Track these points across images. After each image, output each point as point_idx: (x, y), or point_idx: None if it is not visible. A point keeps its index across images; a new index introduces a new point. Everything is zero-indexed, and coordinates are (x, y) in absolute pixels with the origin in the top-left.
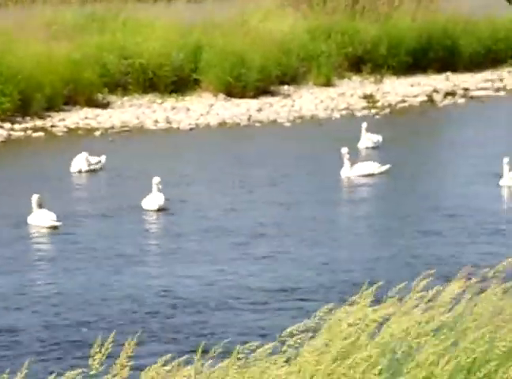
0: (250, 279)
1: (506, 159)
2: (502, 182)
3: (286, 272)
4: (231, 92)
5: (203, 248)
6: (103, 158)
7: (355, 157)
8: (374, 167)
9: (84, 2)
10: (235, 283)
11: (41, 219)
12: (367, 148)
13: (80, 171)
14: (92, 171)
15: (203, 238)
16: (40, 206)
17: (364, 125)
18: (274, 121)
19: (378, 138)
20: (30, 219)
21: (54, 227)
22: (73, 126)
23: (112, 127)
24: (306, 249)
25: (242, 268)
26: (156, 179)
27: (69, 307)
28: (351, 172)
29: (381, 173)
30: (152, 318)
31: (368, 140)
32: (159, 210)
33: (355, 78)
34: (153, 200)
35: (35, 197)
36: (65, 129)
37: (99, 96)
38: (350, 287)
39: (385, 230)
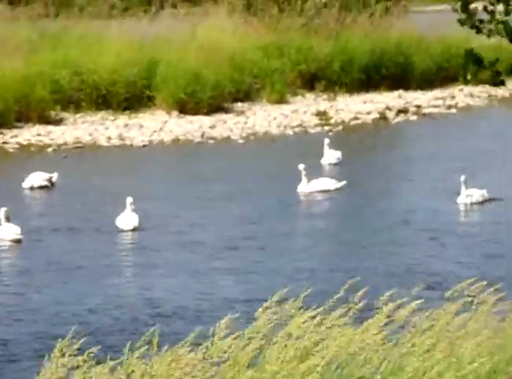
0: (224, 290)
1: (462, 177)
2: (459, 200)
3: (255, 282)
4: (184, 109)
5: (172, 260)
6: (55, 175)
7: (318, 173)
8: (331, 183)
9: (36, 19)
10: (208, 293)
11: (5, 233)
12: (329, 164)
13: (32, 187)
14: (44, 187)
15: (171, 251)
16: (8, 219)
17: (326, 141)
18: (228, 138)
19: (339, 155)
20: None
21: (18, 241)
22: (25, 143)
23: (65, 144)
24: (271, 260)
25: (214, 278)
26: (129, 199)
27: (35, 320)
28: (308, 188)
29: (337, 189)
30: (122, 330)
31: (331, 156)
32: (133, 230)
33: (309, 95)
34: (128, 220)
35: (2, 210)
36: (17, 146)
37: (52, 113)
38: (314, 296)
39: (343, 243)
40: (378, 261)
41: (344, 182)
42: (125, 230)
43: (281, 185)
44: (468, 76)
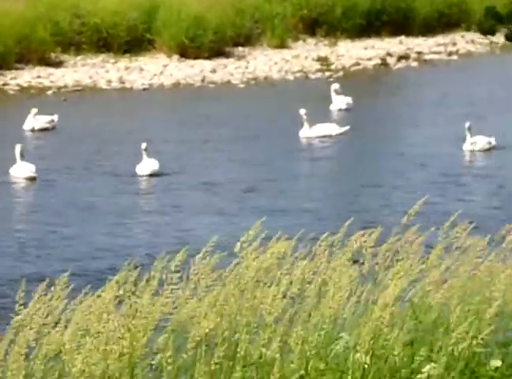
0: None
1: (467, 124)
2: (464, 147)
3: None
4: (185, 53)
5: (185, 202)
6: (55, 117)
7: (326, 119)
8: (333, 128)
9: None
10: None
11: (20, 171)
12: (339, 110)
13: (32, 130)
14: (45, 130)
15: (183, 193)
16: (22, 156)
17: (334, 86)
18: (228, 83)
19: (349, 100)
20: (13, 171)
21: (33, 179)
22: (25, 85)
23: (65, 86)
24: (280, 201)
25: (234, 219)
26: (143, 145)
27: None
28: (310, 133)
29: (340, 134)
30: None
31: (340, 102)
32: (151, 175)
33: (310, 41)
34: (146, 165)
35: (18, 147)
36: (17, 88)
37: (52, 55)
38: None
39: (349, 184)
40: (380, 200)
41: (346, 128)
42: (143, 175)
43: (283, 130)
44: (489, 33)
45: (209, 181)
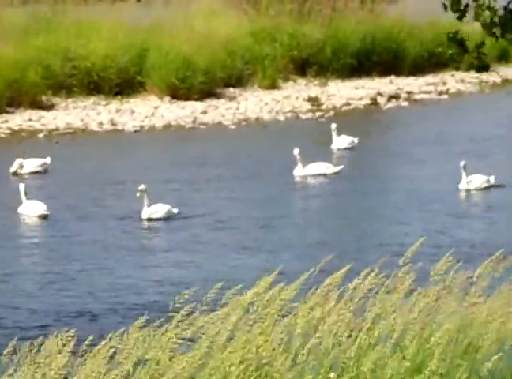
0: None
1: (462, 163)
2: (460, 186)
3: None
4: (176, 95)
5: (196, 240)
6: (48, 160)
7: (327, 158)
8: (327, 168)
9: (26, 2)
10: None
11: (32, 209)
12: (338, 149)
13: (15, 173)
14: (37, 173)
15: (194, 231)
16: (26, 195)
17: (333, 126)
18: (219, 124)
19: (353, 139)
20: (22, 209)
21: (45, 217)
22: (16, 128)
23: (57, 129)
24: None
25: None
26: (141, 186)
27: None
28: (303, 172)
29: (334, 173)
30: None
31: (341, 141)
32: (157, 219)
33: (301, 81)
34: (151, 209)
35: (22, 186)
36: (8, 131)
37: (44, 98)
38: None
39: (343, 223)
40: (373, 238)
41: (341, 167)
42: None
43: (277, 170)
44: (452, 61)
45: (209, 220)
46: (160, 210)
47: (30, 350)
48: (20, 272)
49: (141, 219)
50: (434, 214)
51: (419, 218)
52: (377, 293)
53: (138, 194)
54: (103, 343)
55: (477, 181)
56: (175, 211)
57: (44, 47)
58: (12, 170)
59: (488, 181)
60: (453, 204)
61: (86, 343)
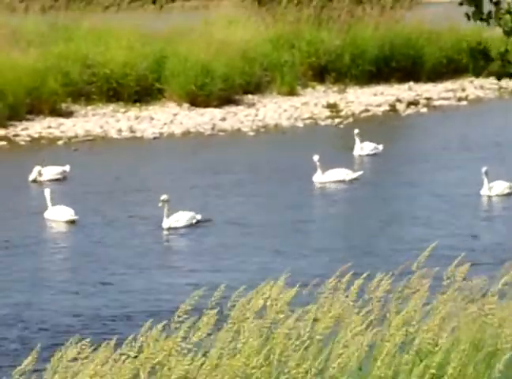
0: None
1: (484, 169)
2: (482, 192)
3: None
4: (194, 101)
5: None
6: (67, 167)
7: (349, 164)
8: (346, 174)
9: (44, 11)
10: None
11: (60, 214)
12: (360, 155)
13: (34, 181)
14: (55, 181)
15: (202, 238)
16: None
17: (356, 131)
18: (238, 130)
19: (377, 146)
20: (49, 214)
21: (73, 222)
22: (36, 135)
23: (76, 136)
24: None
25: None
26: (163, 197)
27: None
28: (323, 178)
29: (353, 179)
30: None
31: (365, 148)
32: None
33: (319, 87)
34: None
35: (47, 192)
36: (28, 139)
37: (63, 105)
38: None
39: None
40: (393, 243)
41: (360, 173)
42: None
43: (296, 176)
44: (477, 73)
45: (232, 226)
46: (181, 218)
47: (57, 357)
48: (54, 276)
49: (164, 229)
50: (455, 219)
51: (440, 223)
52: (399, 299)
53: (160, 204)
54: (123, 347)
55: (499, 187)
56: (198, 217)
57: (63, 55)
58: (31, 177)
59: (511, 187)
60: (475, 210)
61: (122, 346)
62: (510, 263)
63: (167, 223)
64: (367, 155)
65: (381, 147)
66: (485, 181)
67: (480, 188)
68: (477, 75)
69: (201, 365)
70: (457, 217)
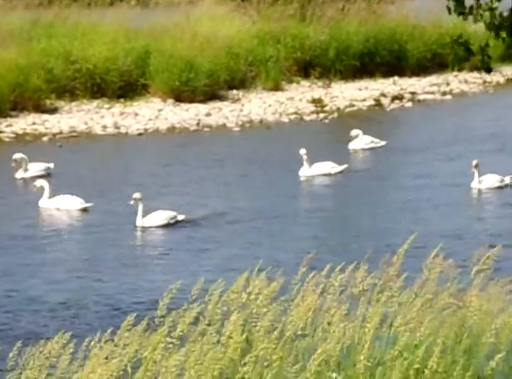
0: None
1: (474, 162)
2: (472, 184)
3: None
4: (179, 97)
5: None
6: (51, 165)
7: (335, 158)
8: (332, 167)
9: (28, 7)
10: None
11: (70, 203)
12: (362, 149)
13: (19, 178)
14: (39, 177)
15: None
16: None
17: (354, 132)
18: (223, 126)
19: (373, 140)
20: (56, 202)
21: (85, 210)
22: (20, 132)
23: (60, 132)
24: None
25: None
26: (136, 194)
27: None
28: (309, 172)
29: (339, 172)
30: None
31: (364, 141)
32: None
33: (304, 82)
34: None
35: (46, 183)
36: (12, 135)
37: (47, 102)
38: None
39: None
40: (373, 235)
41: (345, 166)
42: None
43: (281, 171)
44: (455, 64)
45: (215, 222)
46: (157, 217)
47: (36, 352)
48: (40, 269)
49: (137, 227)
50: (443, 213)
51: (427, 217)
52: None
53: (132, 202)
54: (102, 343)
55: (489, 180)
56: (179, 217)
57: (47, 51)
58: (16, 174)
59: (502, 180)
60: (464, 204)
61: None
62: (480, 251)
63: (140, 221)
64: (363, 149)
65: (377, 140)
66: (476, 174)
67: (469, 181)
68: (454, 68)
69: (187, 359)
70: (444, 211)
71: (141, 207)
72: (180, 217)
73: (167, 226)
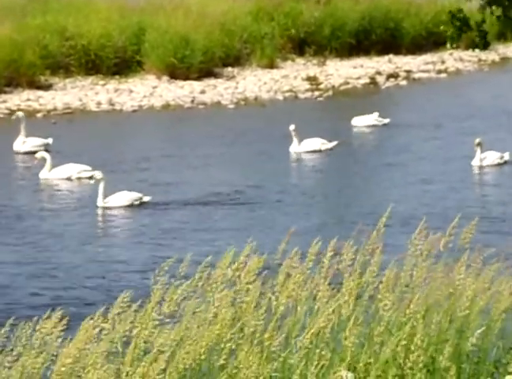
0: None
1: (477, 140)
2: (473, 162)
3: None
4: (174, 74)
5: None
6: (49, 140)
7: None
8: (322, 143)
9: None
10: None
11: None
12: (367, 126)
13: (17, 153)
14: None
15: (178, 212)
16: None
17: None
18: (218, 103)
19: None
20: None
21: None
22: (14, 108)
23: (55, 109)
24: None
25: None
26: (97, 174)
27: None
28: (299, 148)
29: (329, 148)
30: None
31: (363, 120)
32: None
33: (299, 60)
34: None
35: (48, 155)
36: (6, 111)
37: (42, 78)
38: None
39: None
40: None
41: (335, 143)
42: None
43: (273, 147)
44: (454, 39)
45: (203, 199)
46: (120, 198)
47: (25, 331)
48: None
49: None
50: (444, 190)
51: (423, 194)
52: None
53: (93, 181)
54: (87, 321)
55: (491, 157)
56: (137, 196)
57: (42, 27)
58: (15, 147)
59: (502, 157)
60: (465, 181)
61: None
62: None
63: (101, 201)
64: (367, 126)
65: (376, 115)
66: (478, 152)
67: (470, 159)
68: (452, 43)
69: (175, 337)
70: (445, 188)
71: (101, 187)
72: (146, 198)
73: (130, 207)
